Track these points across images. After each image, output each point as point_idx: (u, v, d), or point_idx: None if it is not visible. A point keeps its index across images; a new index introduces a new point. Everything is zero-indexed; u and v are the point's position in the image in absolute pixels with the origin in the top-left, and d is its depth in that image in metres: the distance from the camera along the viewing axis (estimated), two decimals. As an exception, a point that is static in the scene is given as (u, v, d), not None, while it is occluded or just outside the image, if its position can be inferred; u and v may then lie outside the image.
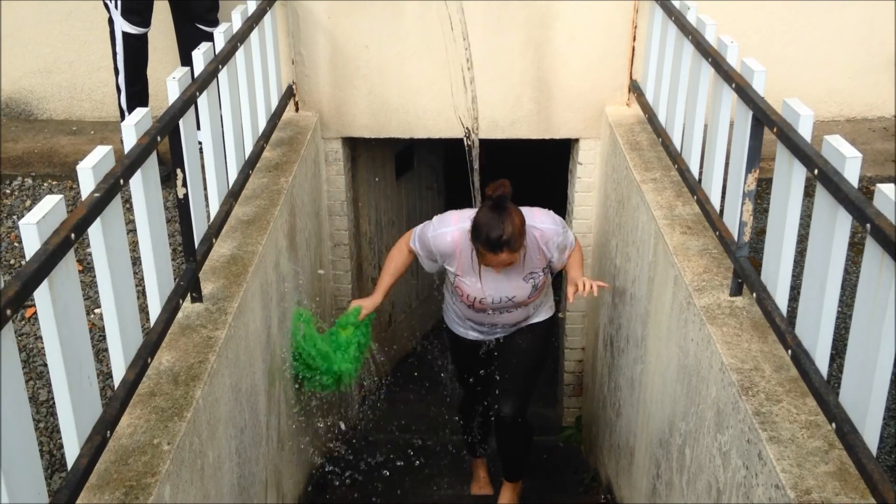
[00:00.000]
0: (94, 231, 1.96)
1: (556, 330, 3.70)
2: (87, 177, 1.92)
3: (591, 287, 3.23)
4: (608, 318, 3.93)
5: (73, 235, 1.73)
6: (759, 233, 3.04)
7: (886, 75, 4.21)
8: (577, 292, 3.24)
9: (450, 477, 4.42)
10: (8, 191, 3.74)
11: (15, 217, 3.55)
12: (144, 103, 3.75)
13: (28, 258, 1.64)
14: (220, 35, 2.97)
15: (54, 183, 3.76)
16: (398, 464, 4.58)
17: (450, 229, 3.27)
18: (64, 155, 4.01)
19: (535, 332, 3.58)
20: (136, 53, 3.69)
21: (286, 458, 3.41)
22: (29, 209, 3.62)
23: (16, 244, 3.43)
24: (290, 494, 3.51)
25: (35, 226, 1.65)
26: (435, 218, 3.38)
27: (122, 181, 1.99)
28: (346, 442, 4.76)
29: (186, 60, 3.56)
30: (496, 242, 2.99)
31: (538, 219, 3.26)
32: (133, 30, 3.61)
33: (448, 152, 5.72)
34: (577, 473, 4.50)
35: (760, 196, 3.36)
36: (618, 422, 3.76)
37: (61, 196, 1.76)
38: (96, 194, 1.88)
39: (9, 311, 1.49)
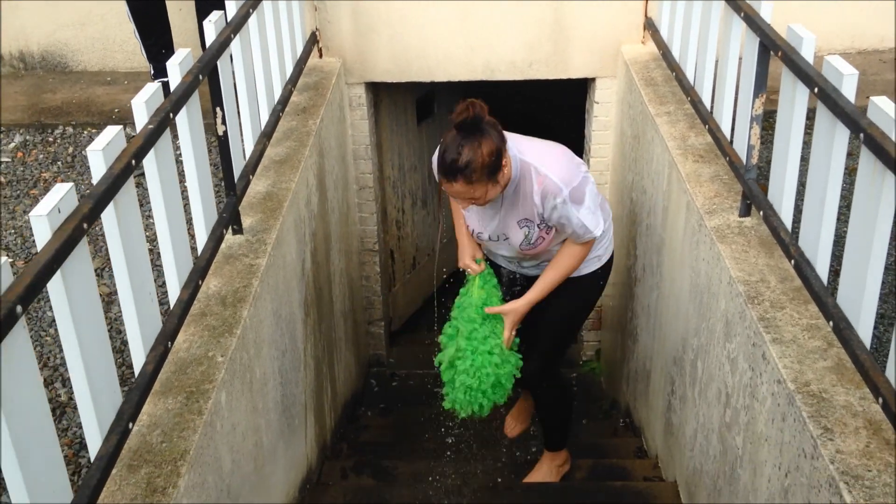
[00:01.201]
0: (149, 161, 2.13)
1: (600, 283, 3.18)
2: (141, 111, 2.09)
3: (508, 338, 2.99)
4: (625, 251, 4.08)
5: (133, 161, 1.91)
6: (769, 163, 3.16)
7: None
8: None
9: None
10: (51, 139, 3.93)
11: (60, 162, 3.74)
12: (162, 55, 3.91)
13: (95, 181, 1.83)
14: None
15: (93, 131, 3.95)
16: (423, 398, 4.80)
17: None
18: (101, 104, 4.19)
19: (570, 291, 3.08)
20: (140, 11, 3.84)
21: (321, 385, 3.62)
22: (72, 155, 3.81)
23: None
24: (326, 420, 3.73)
25: (101, 152, 1.83)
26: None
27: (171, 115, 2.15)
28: (375, 377, 4.99)
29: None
30: (448, 167, 2.57)
31: (548, 165, 2.74)
32: None
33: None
34: (598, 402, 4.70)
35: (769, 129, 3.48)
36: (635, 349, 3.93)
37: (121, 127, 1.93)
38: (150, 126, 2.05)
39: (85, 226, 1.67)
